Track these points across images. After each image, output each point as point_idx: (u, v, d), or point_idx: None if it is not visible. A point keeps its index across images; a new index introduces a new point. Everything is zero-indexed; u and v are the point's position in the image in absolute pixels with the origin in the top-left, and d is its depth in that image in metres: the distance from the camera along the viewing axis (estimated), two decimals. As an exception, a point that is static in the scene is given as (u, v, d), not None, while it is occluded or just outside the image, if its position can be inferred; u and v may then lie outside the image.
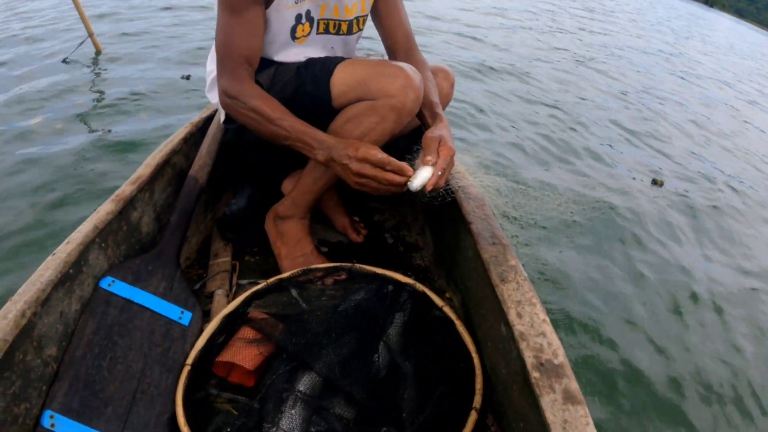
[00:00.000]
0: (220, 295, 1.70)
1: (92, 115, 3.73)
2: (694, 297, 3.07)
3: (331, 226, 2.12)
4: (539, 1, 16.80)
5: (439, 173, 1.42)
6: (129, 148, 3.32)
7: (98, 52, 5.07)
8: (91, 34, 5.02)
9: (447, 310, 1.54)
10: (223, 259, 1.86)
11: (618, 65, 9.80)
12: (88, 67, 4.76)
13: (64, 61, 4.72)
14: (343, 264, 1.68)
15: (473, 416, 1.28)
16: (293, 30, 1.62)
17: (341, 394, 1.33)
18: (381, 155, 1.39)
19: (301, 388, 1.32)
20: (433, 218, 2.11)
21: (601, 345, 2.51)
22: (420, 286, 1.59)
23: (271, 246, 1.88)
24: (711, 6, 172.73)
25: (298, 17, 1.61)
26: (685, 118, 7.30)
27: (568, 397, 1.08)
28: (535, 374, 1.13)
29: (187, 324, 1.53)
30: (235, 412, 1.34)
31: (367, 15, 1.80)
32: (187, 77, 4.67)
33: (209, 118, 2.04)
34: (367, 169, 1.38)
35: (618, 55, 10.93)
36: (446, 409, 1.32)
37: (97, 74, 4.56)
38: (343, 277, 1.65)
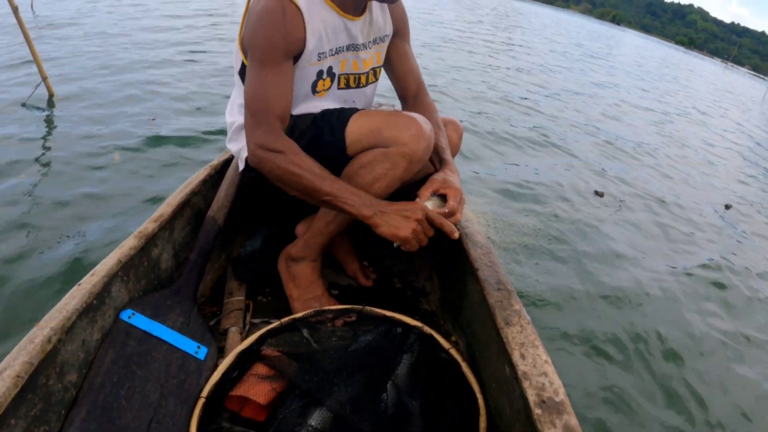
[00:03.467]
0: (234, 332, 1.81)
1: (56, 171, 3.71)
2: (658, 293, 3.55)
3: (342, 271, 2.27)
4: (451, 30, 17.97)
5: (451, 209, 1.68)
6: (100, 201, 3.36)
7: (51, 96, 5.14)
8: (44, 78, 5.10)
9: (453, 352, 1.62)
10: (237, 298, 1.98)
11: (548, 84, 10.79)
12: (43, 111, 4.76)
13: (23, 105, 4.73)
14: (354, 306, 1.79)
15: None
16: (314, 85, 1.79)
17: (351, 430, 1.41)
18: (439, 220, 1.64)
19: (313, 423, 1.41)
20: (440, 265, 2.26)
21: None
22: (427, 329, 1.69)
23: (283, 287, 2.01)
24: (618, 24, 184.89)
25: (320, 73, 1.78)
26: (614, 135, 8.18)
27: (567, 429, 1.22)
28: (537, 411, 1.25)
29: (202, 358, 1.63)
30: None
31: (381, 66, 2.01)
32: (153, 119, 4.84)
33: (227, 162, 2.22)
34: (423, 233, 1.61)
35: (548, 76, 11.99)
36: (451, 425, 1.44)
37: (50, 122, 4.59)
38: (353, 318, 1.75)
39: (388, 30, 1.97)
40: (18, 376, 1.16)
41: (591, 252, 3.97)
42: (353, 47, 1.83)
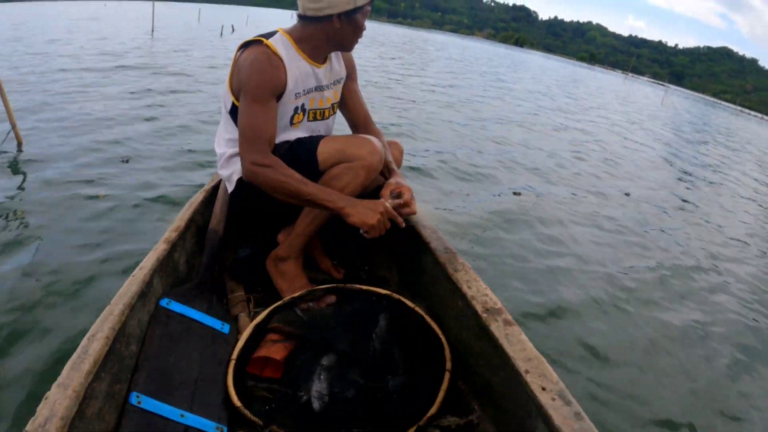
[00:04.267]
0: (243, 316, 2.18)
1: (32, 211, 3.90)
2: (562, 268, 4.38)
3: (317, 268, 2.63)
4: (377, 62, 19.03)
5: (406, 201, 2.24)
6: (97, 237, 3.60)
7: (20, 144, 5.23)
8: (13, 125, 5.20)
9: (418, 309, 2.04)
10: (238, 293, 2.35)
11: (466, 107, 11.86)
12: (12, 157, 4.96)
13: None
14: (337, 285, 2.20)
15: (447, 376, 1.78)
16: (292, 118, 2.25)
17: (353, 366, 1.82)
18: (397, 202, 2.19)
19: (324, 363, 1.81)
20: (396, 256, 2.74)
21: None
22: (396, 295, 2.09)
23: (273, 283, 2.37)
24: (522, 46, 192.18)
25: (296, 109, 2.25)
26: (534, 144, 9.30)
27: (507, 323, 1.71)
28: (484, 315, 1.76)
29: (227, 332, 2.02)
30: (270, 395, 1.78)
31: (338, 101, 2.52)
32: (126, 160, 5.17)
33: (216, 186, 2.67)
34: (384, 222, 2.04)
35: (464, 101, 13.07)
36: (427, 374, 1.82)
37: (22, 172, 4.65)
38: (334, 300, 2.16)
39: (343, 73, 2.49)
40: (107, 338, 1.49)
41: (512, 237, 4.86)
42: (319, 88, 2.32)
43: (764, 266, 5.92)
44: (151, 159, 5.33)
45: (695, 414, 2.88)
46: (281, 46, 2.15)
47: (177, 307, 1.98)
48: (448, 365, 1.82)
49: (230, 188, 2.35)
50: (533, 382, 1.48)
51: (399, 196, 2.25)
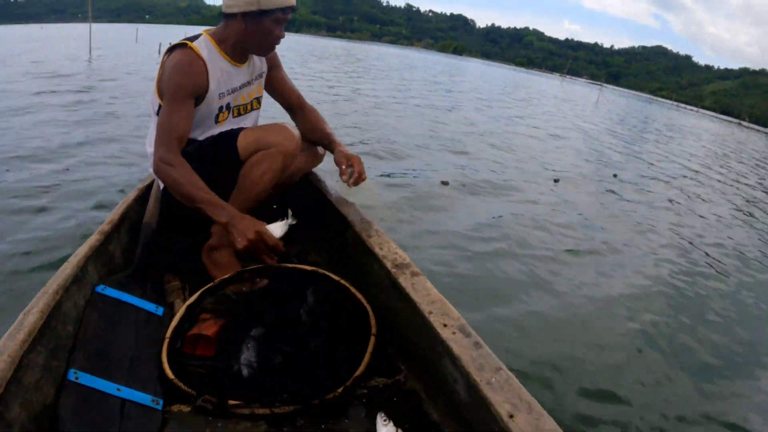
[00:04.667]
0: (178, 302, 2.23)
1: None
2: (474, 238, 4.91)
3: (252, 257, 2.54)
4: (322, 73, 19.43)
5: (358, 173, 2.45)
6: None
7: None
8: None
9: (342, 281, 2.12)
10: (174, 283, 2.42)
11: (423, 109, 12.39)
12: None
13: None
14: (265, 265, 2.22)
15: (372, 339, 1.88)
16: (216, 117, 2.38)
17: (281, 336, 1.90)
18: (272, 241, 2.10)
19: (253, 334, 1.90)
20: (324, 238, 2.89)
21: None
22: (322, 270, 2.18)
23: (209, 274, 2.36)
24: (460, 54, 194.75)
25: (221, 108, 2.37)
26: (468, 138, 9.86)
27: (413, 274, 1.93)
28: (393, 270, 1.97)
29: (161, 314, 2.10)
30: (204, 371, 1.82)
31: (262, 95, 2.65)
32: (66, 169, 5.32)
33: (150, 185, 2.77)
34: (259, 244, 2.05)
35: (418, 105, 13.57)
36: (355, 341, 1.91)
37: None
38: (265, 283, 2.19)
39: (264, 68, 2.61)
40: (41, 312, 1.57)
41: (438, 218, 5.39)
42: (243, 86, 2.45)
43: (683, 246, 6.56)
44: (90, 166, 5.55)
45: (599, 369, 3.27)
46: (204, 48, 2.25)
47: (112, 292, 2.05)
48: (374, 330, 1.92)
49: (161, 184, 2.44)
50: (436, 321, 1.67)
51: (351, 166, 2.49)
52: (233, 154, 2.27)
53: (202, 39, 2.30)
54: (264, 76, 2.64)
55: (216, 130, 2.39)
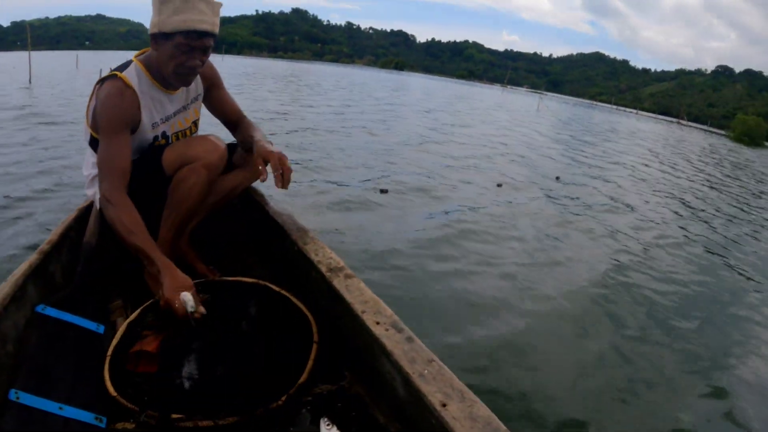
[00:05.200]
0: (120, 321, 2.20)
1: None
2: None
3: (194, 274, 2.49)
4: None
5: (280, 172, 2.17)
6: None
7: None
8: None
9: (283, 291, 2.15)
10: (117, 302, 2.43)
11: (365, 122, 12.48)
12: None
13: None
14: (206, 279, 2.25)
15: (314, 347, 1.88)
16: (152, 146, 2.34)
17: (223, 347, 1.91)
18: (181, 312, 1.88)
19: (194, 347, 1.89)
20: (264, 251, 2.95)
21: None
22: (262, 282, 2.20)
23: (150, 291, 2.24)
24: (402, 70, 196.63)
25: (156, 137, 2.34)
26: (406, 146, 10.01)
27: (347, 276, 2.01)
28: (328, 274, 2.06)
29: (103, 333, 2.07)
30: (147, 387, 1.78)
31: (199, 117, 2.59)
32: (6, 196, 5.26)
33: (89, 205, 2.70)
34: (178, 306, 1.87)
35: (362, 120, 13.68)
36: (297, 347, 1.91)
37: None
38: (206, 298, 2.10)
39: (200, 90, 2.53)
40: None
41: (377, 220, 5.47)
42: (177, 112, 2.40)
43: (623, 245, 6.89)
44: (30, 189, 5.51)
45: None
46: (134, 76, 2.18)
47: (53, 312, 2.02)
48: (315, 337, 1.92)
49: (97, 206, 2.39)
50: (369, 319, 1.72)
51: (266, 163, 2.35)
52: (159, 171, 2.25)
53: (132, 66, 2.22)
54: (200, 98, 2.58)
55: None
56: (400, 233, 5.25)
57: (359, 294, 1.89)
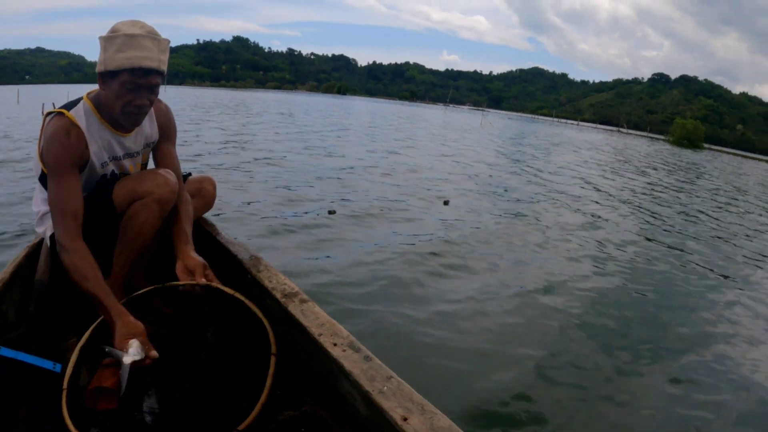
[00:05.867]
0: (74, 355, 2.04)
1: None
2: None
3: (150, 307, 2.42)
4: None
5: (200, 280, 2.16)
6: None
7: None
8: None
9: (237, 294, 2.11)
10: (72, 340, 2.29)
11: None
12: None
13: None
14: (156, 286, 2.18)
15: (273, 359, 1.91)
16: (99, 182, 2.30)
17: (181, 374, 1.95)
18: (138, 356, 1.80)
19: (152, 380, 1.90)
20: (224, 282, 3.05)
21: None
22: (214, 284, 2.17)
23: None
24: (344, 94, 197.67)
25: (104, 176, 2.30)
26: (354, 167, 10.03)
27: (302, 301, 2.05)
28: (283, 299, 2.08)
29: (59, 371, 1.99)
30: (109, 424, 1.80)
31: (147, 163, 2.55)
32: None
33: (40, 242, 2.67)
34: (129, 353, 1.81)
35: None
36: (255, 357, 1.95)
37: None
38: (169, 311, 2.19)
39: (155, 137, 2.50)
40: None
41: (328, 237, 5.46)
42: (128, 155, 2.36)
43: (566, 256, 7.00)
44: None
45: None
46: (82, 115, 2.14)
47: (7, 352, 1.98)
48: (273, 349, 1.93)
49: (48, 243, 2.37)
50: (326, 341, 1.76)
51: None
52: (109, 208, 2.22)
53: (81, 105, 2.17)
54: (153, 145, 2.54)
55: None
56: (351, 254, 5.27)
57: (315, 318, 1.91)
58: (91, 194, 2.24)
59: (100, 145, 2.21)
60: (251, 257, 2.52)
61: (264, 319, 2.03)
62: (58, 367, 2.02)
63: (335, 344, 1.73)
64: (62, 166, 2.07)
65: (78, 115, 2.12)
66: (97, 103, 2.18)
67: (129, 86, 2.04)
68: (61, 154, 2.07)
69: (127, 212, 2.22)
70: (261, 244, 5.12)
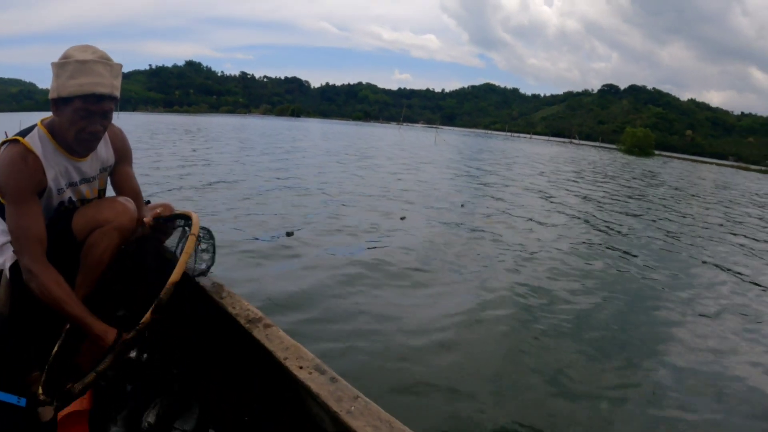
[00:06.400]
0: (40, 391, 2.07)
1: None
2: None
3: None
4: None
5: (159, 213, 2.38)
6: None
7: None
8: None
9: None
10: (36, 373, 2.28)
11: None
12: None
13: None
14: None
15: (192, 238, 2.13)
16: (58, 210, 2.29)
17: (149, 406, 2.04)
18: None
19: (120, 416, 2.02)
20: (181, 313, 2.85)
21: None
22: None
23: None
24: (298, 116, 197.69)
25: (61, 203, 2.28)
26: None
27: (266, 326, 2.06)
28: (247, 325, 2.10)
29: (24, 405, 2.06)
30: None
31: (105, 188, 2.52)
32: None
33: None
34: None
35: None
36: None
37: None
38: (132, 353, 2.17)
39: (111, 161, 2.47)
40: None
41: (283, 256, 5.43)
42: (84, 180, 2.34)
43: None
44: None
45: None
46: (38, 142, 2.12)
47: None
48: (195, 231, 2.11)
49: (8, 275, 2.28)
50: (292, 364, 1.77)
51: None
52: (69, 237, 2.20)
53: (36, 132, 2.15)
54: (109, 169, 2.50)
55: None
56: (312, 274, 5.30)
57: (279, 342, 1.93)
58: (50, 223, 2.20)
59: (57, 171, 2.18)
60: (213, 284, 2.49)
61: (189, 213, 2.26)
62: (22, 402, 2.03)
63: (301, 367, 1.74)
64: (22, 194, 2.04)
65: (33, 141, 2.09)
66: (52, 129, 2.16)
67: (82, 113, 2.03)
68: (20, 182, 2.04)
69: (87, 240, 2.20)
70: (221, 270, 4.97)
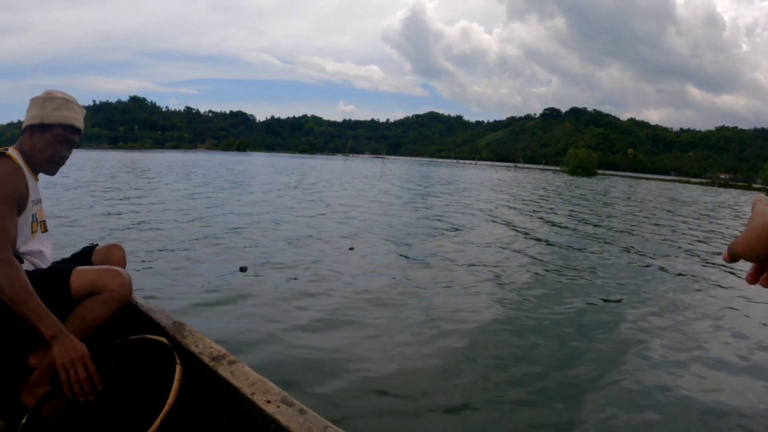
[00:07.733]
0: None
1: None
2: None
3: None
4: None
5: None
6: None
7: None
8: None
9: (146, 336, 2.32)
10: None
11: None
12: None
13: None
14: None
15: (179, 368, 2.03)
16: (31, 226, 2.40)
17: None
18: (92, 369, 2.06)
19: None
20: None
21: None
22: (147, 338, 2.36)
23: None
24: (244, 150, 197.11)
25: (33, 216, 2.42)
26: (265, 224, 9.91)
27: (231, 363, 2.08)
28: (211, 363, 2.11)
29: None
30: None
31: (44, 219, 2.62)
32: None
33: None
34: (80, 367, 2.02)
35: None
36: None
37: None
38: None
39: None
40: None
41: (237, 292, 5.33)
42: (40, 201, 2.54)
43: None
44: None
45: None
46: (20, 160, 2.36)
47: None
48: (178, 360, 2.06)
49: None
50: (259, 399, 1.79)
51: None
52: (65, 293, 2.30)
53: (13, 152, 2.36)
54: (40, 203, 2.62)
55: (33, 243, 2.42)
56: (268, 308, 5.24)
57: (245, 377, 1.95)
58: (45, 274, 2.35)
59: (32, 186, 2.40)
60: (174, 323, 2.51)
61: (164, 340, 2.24)
62: None
63: (269, 401, 1.76)
64: (9, 200, 2.21)
65: (16, 156, 2.35)
66: (21, 151, 2.40)
67: (60, 139, 2.41)
68: (10, 189, 2.22)
69: (85, 302, 2.30)
70: (179, 308, 5.00)
